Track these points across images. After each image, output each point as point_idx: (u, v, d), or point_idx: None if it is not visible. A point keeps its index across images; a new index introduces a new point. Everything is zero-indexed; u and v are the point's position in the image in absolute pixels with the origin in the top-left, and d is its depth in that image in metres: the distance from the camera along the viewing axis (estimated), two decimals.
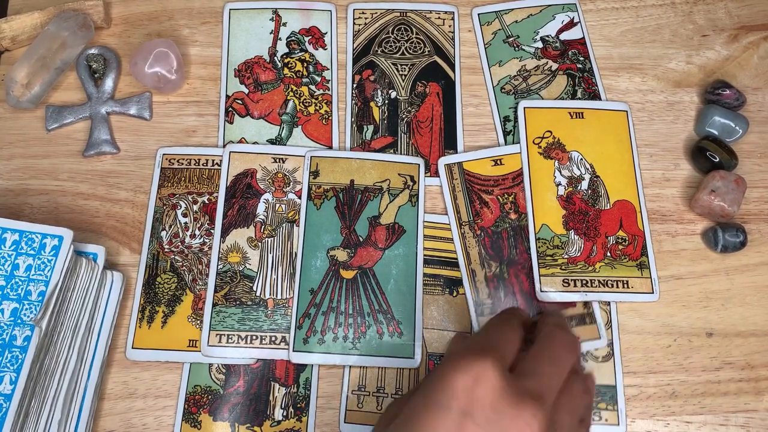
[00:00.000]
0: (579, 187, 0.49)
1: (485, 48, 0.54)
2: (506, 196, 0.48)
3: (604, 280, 0.47)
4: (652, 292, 0.47)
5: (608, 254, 0.48)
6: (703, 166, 0.50)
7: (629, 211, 0.49)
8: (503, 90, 0.53)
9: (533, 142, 0.50)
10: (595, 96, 0.52)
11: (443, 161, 0.50)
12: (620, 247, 0.48)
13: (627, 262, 0.48)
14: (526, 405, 0.32)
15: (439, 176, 0.50)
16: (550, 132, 0.50)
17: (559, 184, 0.49)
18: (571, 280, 0.47)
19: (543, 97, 0.52)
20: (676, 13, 0.56)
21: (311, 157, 0.50)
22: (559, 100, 0.52)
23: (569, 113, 0.51)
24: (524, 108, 0.51)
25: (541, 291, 0.46)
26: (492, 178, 0.49)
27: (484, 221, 0.48)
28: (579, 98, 0.52)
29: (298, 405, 0.45)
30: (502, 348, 0.36)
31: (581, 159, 0.50)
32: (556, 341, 0.38)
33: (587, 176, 0.49)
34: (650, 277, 0.47)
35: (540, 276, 0.47)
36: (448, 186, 0.49)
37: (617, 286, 0.47)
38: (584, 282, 0.47)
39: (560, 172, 0.49)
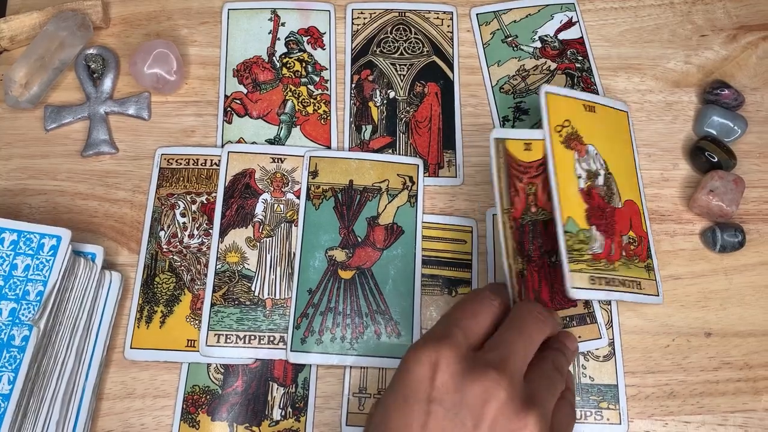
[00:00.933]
0: (596, 182, 0.48)
1: (484, 48, 0.54)
2: (531, 186, 0.45)
3: (622, 280, 0.46)
4: (657, 295, 0.46)
5: (623, 254, 0.47)
6: (701, 166, 0.50)
7: (636, 212, 0.48)
8: (502, 90, 0.53)
9: (555, 129, 0.46)
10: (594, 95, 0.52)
11: (495, 134, 0.45)
12: (632, 247, 0.47)
13: (638, 263, 0.47)
14: (487, 375, 0.33)
15: (490, 154, 0.44)
16: (569, 121, 0.47)
17: (580, 176, 0.46)
18: (597, 277, 0.44)
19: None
20: (674, 13, 0.56)
21: (310, 157, 0.50)
22: (578, 92, 0.49)
23: (584, 105, 0.49)
24: (546, 93, 0.46)
25: (572, 287, 0.42)
26: (523, 164, 0.45)
27: (515, 211, 0.45)
28: None
29: (297, 405, 0.45)
30: (465, 327, 0.36)
31: (596, 153, 0.48)
32: (524, 312, 0.38)
33: (602, 172, 0.48)
34: (655, 280, 0.47)
35: (570, 271, 0.43)
36: (496, 164, 0.44)
37: (633, 287, 0.46)
38: (607, 280, 0.45)
39: (579, 164, 0.47)
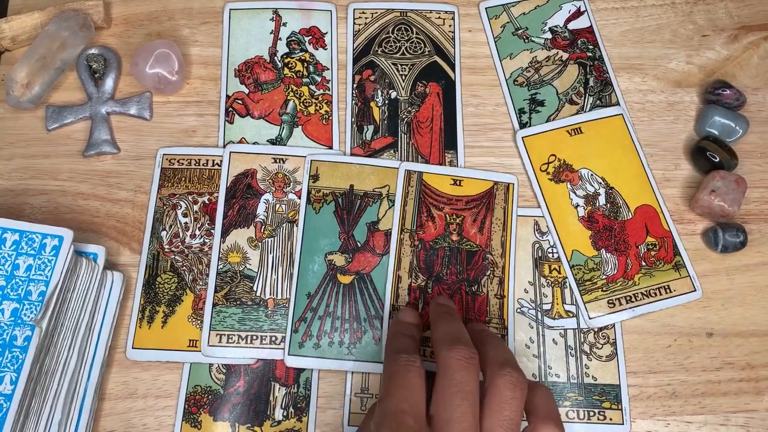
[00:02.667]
0: (597, 204, 0.49)
1: (495, 41, 0.54)
2: (454, 217, 0.48)
3: (646, 291, 0.47)
4: (695, 290, 0.47)
5: (643, 264, 0.47)
6: (703, 166, 0.50)
7: (652, 215, 0.49)
8: (516, 82, 0.53)
9: (540, 169, 0.49)
10: (607, 83, 0.52)
11: (404, 166, 0.49)
12: (652, 253, 0.48)
13: (663, 266, 0.47)
14: None
15: (397, 179, 0.49)
16: (555, 155, 0.50)
17: (578, 205, 0.49)
18: (616, 299, 0.46)
19: (557, 88, 0.52)
20: (676, 13, 0.56)
21: (311, 160, 0.50)
22: (556, 121, 0.51)
23: (567, 131, 0.51)
24: (522, 138, 0.50)
25: (590, 318, 0.46)
26: (446, 196, 0.49)
27: (425, 234, 0.48)
28: (591, 86, 0.52)
29: (299, 405, 0.45)
30: (409, 408, 0.35)
31: (592, 175, 0.49)
32: (450, 363, 0.36)
33: (602, 191, 0.49)
34: (689, 275, 0.47)
35: (585, 303, 0.46)
36: (402, 191, 0.48)
37: (660, 294, 0.47)
38: (628, 298, 0.46)
39: (575, 193, 0.49)
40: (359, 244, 0.48)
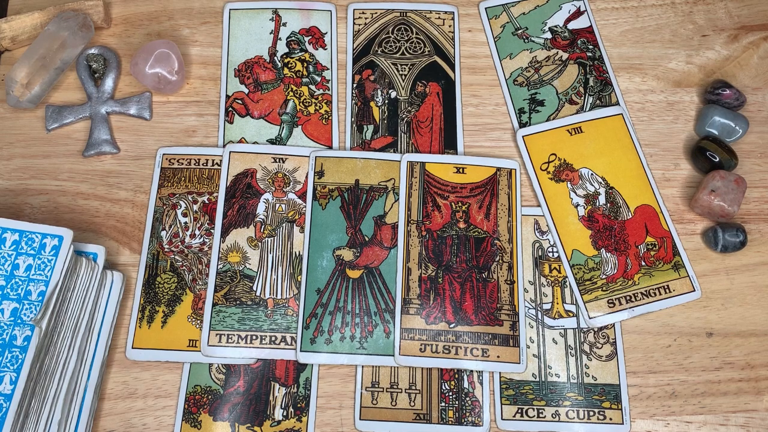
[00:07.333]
0: (597, 203, 0.49)
1: (495, 41, 0.54)
2: (460, 204, 0.48)
3: (645, 291, 0.47)
4: (694, 290, 0.47)
5: (643, 263, 0.47)
6: (703, 166, 0.50)
7: (652, 215, 0.49)
8: (516, 82, 0.53)
9: (540, 168, 0.50)
10: (607, 83, 0.52)
11: (406, 158, 0.50)
12: (652, 253, 0.48)
13: (662, 266, 0.47)
14: None
15: (400, 171, 0.49)
16: (555, 154, 0.50)
17: (578, 205, 0.49)
18: (616, 299, 0.46)
19: (557, 88, 0.52)
20: (676, 13, 0.56)
21: (316, 157, 0.50)
22: (556, 120, 0.51)
23: (568, 131, 0.51)
24: (523, 136, 0.50)
25: (590, 318, 0.46)
26: (450, 184, 0.49)
27: (432, 224, 0.48)
28: (591, 86, 0.52)
29: (298, 405, 0.45)
30: None
31: (592, 174, 0.49)
32: None
33: (602, 190, 0.49)
34: (688, 276, 0.47)
35: (585, 303, 0.46)
36: (406, 182, 0.49)
37: (659, 293, 0.47)
38: (628, 298, 0.46)
39: (575, 192, 0.49)
40: (367, 239, 0.48)
